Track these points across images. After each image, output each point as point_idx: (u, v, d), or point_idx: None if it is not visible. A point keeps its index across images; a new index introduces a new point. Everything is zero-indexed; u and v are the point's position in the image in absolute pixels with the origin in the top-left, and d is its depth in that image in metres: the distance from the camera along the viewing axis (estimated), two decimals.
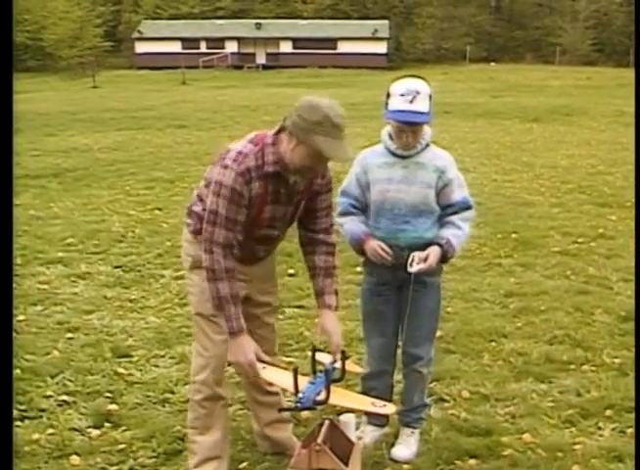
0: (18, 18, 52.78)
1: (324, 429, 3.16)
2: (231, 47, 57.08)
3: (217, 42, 56.86)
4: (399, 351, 3.71)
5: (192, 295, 3.30)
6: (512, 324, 5.32)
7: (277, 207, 3.07)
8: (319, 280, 3.24)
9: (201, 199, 3.15)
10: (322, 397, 3.03)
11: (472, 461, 3.54)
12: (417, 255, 3.30)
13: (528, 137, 16.75)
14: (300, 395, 3.00)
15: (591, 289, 6.07)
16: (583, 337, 5.06)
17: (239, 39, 57.40)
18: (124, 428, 3.88)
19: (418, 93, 3.24)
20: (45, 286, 6.21)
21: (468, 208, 3.44)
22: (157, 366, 4.65)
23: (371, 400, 3.23)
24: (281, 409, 3.39)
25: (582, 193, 10.11)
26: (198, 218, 3.15)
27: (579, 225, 8.25)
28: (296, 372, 3.15)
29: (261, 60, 56.51)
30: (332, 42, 56.21)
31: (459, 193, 3.41)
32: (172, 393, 4.26)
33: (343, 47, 55.87)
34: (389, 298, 3.53)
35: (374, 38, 56.23)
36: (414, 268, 3.29)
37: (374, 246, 3.38)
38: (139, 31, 57.76)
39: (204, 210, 3.07)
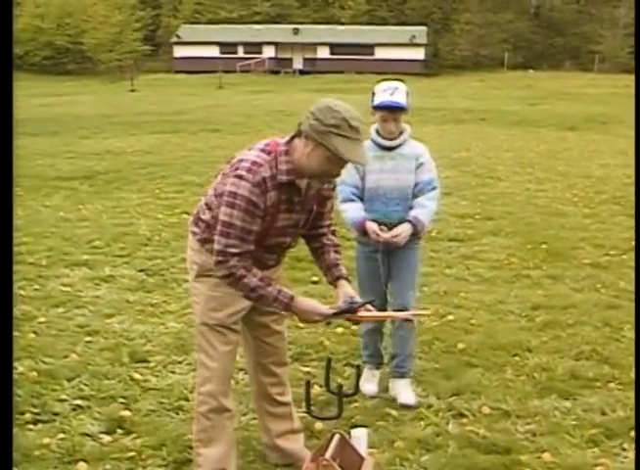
0: (59, 22, 53.72)
1: (334, 443, 3.08)
2: (268, 52, 57.37)
3: (255, 47, 57.20)
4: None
5: (197, 303, 3.23)
6: (537, 338, 5.19)
7: (290, 215, 3.02)
8: (330, 255, 3.22)
9: (209, 208, 3.08)
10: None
11: None
12: (386, 233, 3.98)
13: (564, 146, 16.51)
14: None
15: (621, 303, 5.90)
16: (611, 353, 4.91)
17: (276, 44, 57.66)
18: (136, 435, 3.84)
19: (396, 88, 3.94)
20: (68, 288, 6.21)
21: (433, 188, 4.12)
22: (173, 372, 4.61)
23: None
24: (335, 314, 3.13)
25: (616, 204, 9.90)
26: (206, 227, 3.10)
27: (612, 237, 8.06)
28: (308, 385, 3.10)
29: (298, 65, 56.66)
30: (369, 48, 56.23)
31: (427, 175, 4.09)
32: (186, 400, 4.21)
33: (381, 53, 55.82)
34: (381, 262, 4.12)
35: (411, 44, 56.10)
36: (385, 235, 3.96)
37: (373, 228, 3.99)
38: (177, 36, 58.33)
39: (213, 218, 3.02)
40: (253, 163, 2.88)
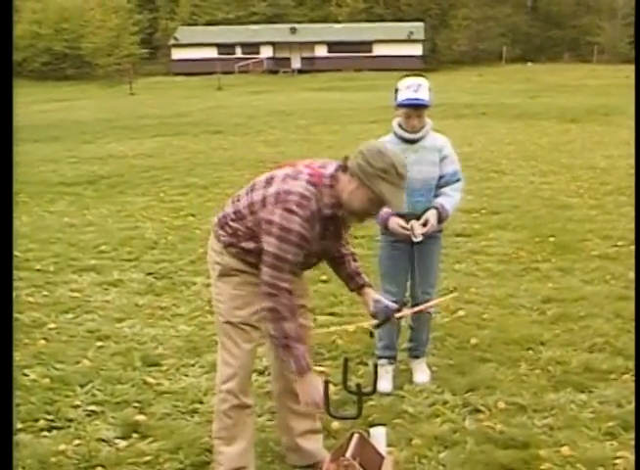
0: (56, 27, 53.69)
1: (353, 442, 3.07)
2: (266, 52, 57.28)
3: (253, 47, 57.13)
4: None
5: (220, 303, 3.24)
6: (550, 331, 5.16)
7: (324, 241, 3.10)
8: (351, 264, 3.32)
9: (240, 217, 3.11)
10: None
11: None
12: (415, 224, 4.07)
13: (566, 138, 16.48)
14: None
15: (632, 294, 5.84)
16: (624, 345, 4.87)
17: (274, 44, 57.58)
18: (152, 439, 3.82)
19: (420, 85, 4.07)
20: (77, 294, 6.20)
21: (458, 180, 4.26)
22: (186, 375, 4.59)
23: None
24: (377, 325, 3.33)
25: (622, 194, 9.85)
26: (233, 233, 3.13)
27: (619, 228, 8.03)
28: (326, 385, 3.08)
29: (297, 64, 56.59)
30: (367, 45, 56.11)
31: (451, 167, 4.23)
32: (201, 403, 4.20)
33: (379, 50, 55.74)
34: (404, 252, 4.29)
35: (409, 40, 56.00)
36: (418, 238, 4.06)
37: (395, 224, 4.11)
38: (175, 38, 58.25)
39: (247, 228, 3.06)
40: (302, 196, 2.91)
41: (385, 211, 4.01)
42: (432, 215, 4.12)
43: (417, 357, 4.58)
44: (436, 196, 4.21)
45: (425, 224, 4.10)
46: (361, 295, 3.33)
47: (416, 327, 4.55)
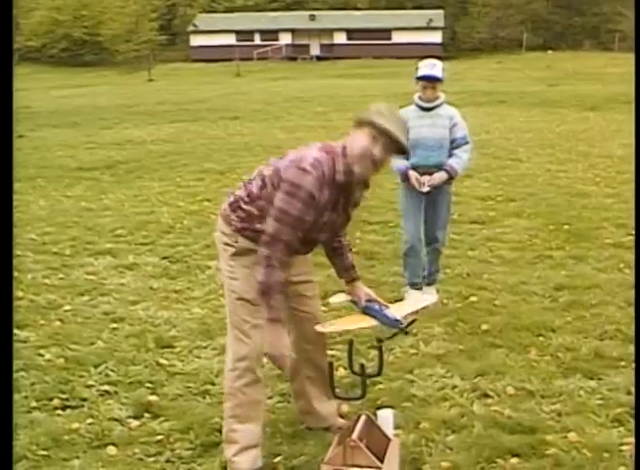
0: (75, 14, 53.88)
1: (360, 424, 3.11)
2: (285, 39, 57.20)
3: (271, 34, 57.05)
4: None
5: (234, 280, 3.29)
6: (561, 318, 5.17)
7: (333, 214, 3.18)
8: (348, 256, 3.51)
9: (252, 199, 3.18)
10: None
11: (514, 460, 3.43)
12: (424, 178, 5.21)
13: (584, 126, 16.37)
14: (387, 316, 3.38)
15: None
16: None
17: (293, 31, 57.47)
18: (163, 419, 3.87)
19: (435, 65, 5.24)
20: (93, 277, 6.27)
21: (466, 142, 5.34)
22: (198, 357, 4.65)
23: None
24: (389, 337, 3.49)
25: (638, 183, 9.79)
26: (247, 216, 3.20)
27: (634, 217, 7.99)
28: (331, 367, 3.12)
29: (315, 51, 56.47)
30: (386, 32, 55.88)
31: (461, 132, 5.32)
32: (213, 384, 4.25)
33: (398, 37, 55.47)
34: (420, 196, 5.34)
35: (429, 28, 55.69)
36: (424, 189, 5.22)
37: (415, 175, 5.25)
38: (194, 25, 58.29)
39: (259, 209, 3.14)
40: (316, 159, 3.05)
41: (404, 163, 5.17)
42: (438, 176, 5.23)
43: (429, 285, 5.66)
44: (450, 156, 5.27)
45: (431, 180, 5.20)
46: (351, 286, 3.52)
47: (429, 260, 5.62)
